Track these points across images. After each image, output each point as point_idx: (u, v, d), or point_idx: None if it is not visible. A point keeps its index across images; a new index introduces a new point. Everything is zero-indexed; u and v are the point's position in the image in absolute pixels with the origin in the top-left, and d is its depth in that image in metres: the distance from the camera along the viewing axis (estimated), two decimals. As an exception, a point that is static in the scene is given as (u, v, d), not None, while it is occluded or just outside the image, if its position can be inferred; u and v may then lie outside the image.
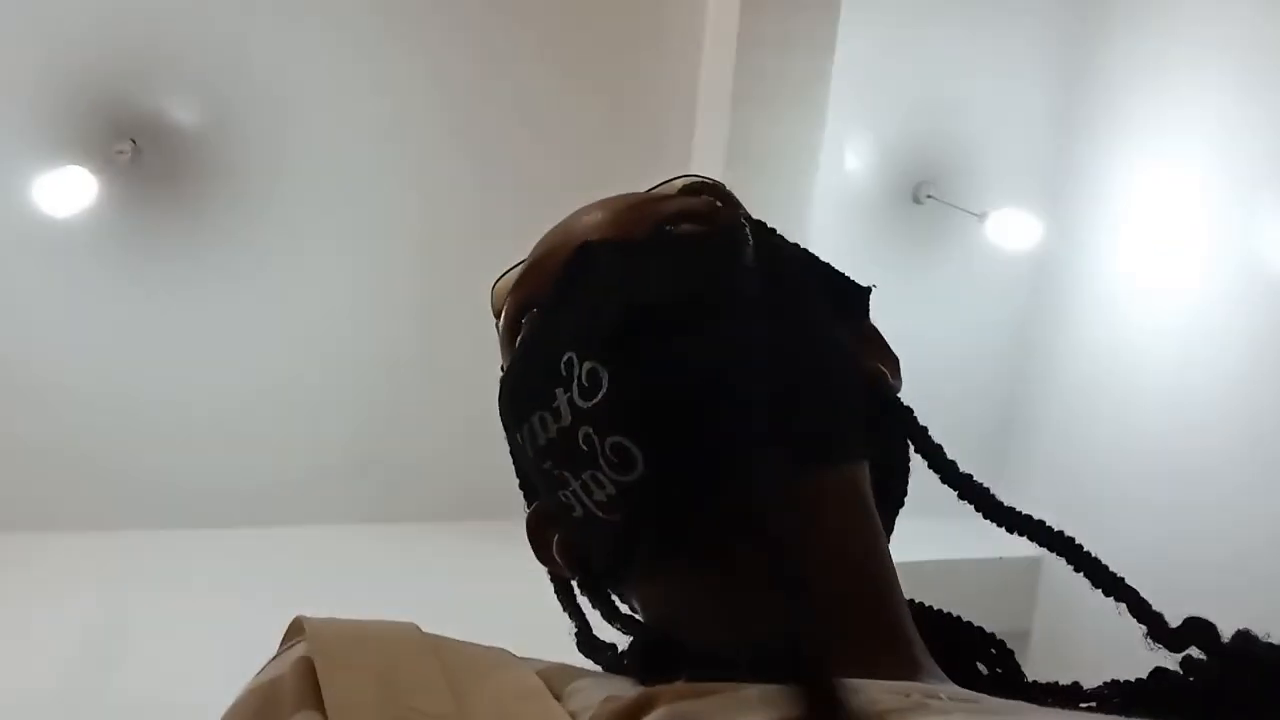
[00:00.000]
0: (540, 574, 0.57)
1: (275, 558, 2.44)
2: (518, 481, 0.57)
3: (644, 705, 0.31)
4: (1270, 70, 2.25)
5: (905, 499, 0.55)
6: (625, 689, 0.34)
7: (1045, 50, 2.80)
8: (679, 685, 0.32)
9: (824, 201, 2.43)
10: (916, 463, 0.55)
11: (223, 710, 0.36)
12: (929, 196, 2.78)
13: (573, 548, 0.50)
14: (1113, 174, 2.73)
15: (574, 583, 0.54)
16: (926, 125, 2.80)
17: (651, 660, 0.35)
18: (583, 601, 0.55)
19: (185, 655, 2.10)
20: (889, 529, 0.52)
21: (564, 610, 0.56)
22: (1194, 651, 0.40)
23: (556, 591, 0.57)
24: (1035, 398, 2.91)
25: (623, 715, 0.32)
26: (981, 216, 2.72)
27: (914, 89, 2.76)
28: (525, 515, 0.54)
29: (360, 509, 2.68)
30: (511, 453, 0.55)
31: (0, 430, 2.47)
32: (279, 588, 2.00)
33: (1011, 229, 2.74)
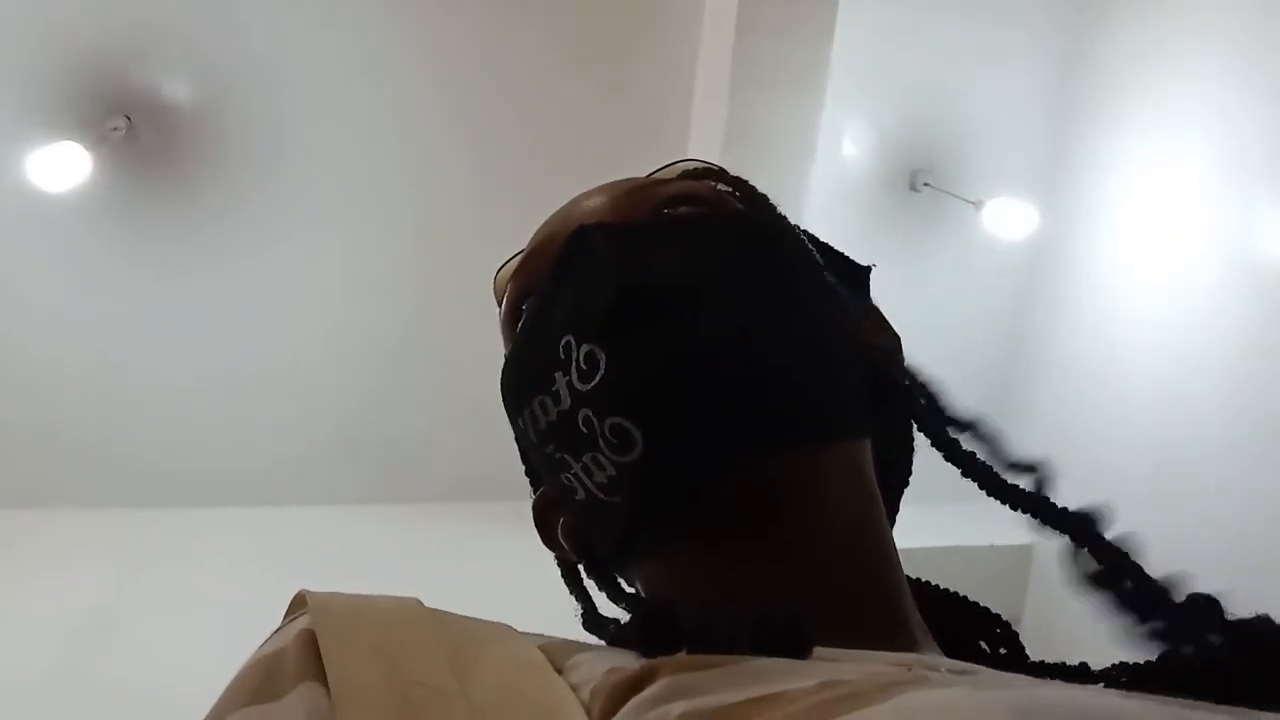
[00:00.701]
0: (535, 555, 0.57)
1: (269, 537, 2.45)
2: (523, 468, 0.58)
3: (646, 676, 0.32)
4: (1268, 62, 2.25)
5: (909, 478, 0.55)
6: (628, 661, 0.34)
7: (1043, 39, 2.80)
8: (681, 657, 0.32)
9: (821, 188, 2.43)
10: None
11: (217, 688, 0.37)
12: (926, 184, 2.78)
13: (577, 531, 0.50)
14: (1109, 164, 2.73)
15: (580, 566, 0.55)
16: (924, 113, 2.80)
17: (653, 633, 0.35)
18: (589, 585, 0.56)
19: (179, 633, 2.11)
20: (893, 509, 0.52)
21: (570, 593, 0.57)
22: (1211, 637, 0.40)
23: (563, 575, 0.57)
24: (1029, 386, 2.92)
25: (625, 687, 0.32)
26: (978, 205, 2.72)
27: (912, 77, 2.76)
28: (530, 501, 0.55)
29: (354, 490, 2.68)
30: (516, 439, 0.55)
31: (-7, 407, 2.47)
32: (272, 567, 2.00)
33: (1008, 217, 2.74)
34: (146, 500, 2.55)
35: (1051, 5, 2.78)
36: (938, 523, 2.70)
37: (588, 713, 0.32)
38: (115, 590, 2.30)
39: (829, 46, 2.20)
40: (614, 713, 0.31)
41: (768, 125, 2.25)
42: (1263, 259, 2.26)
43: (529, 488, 0.57)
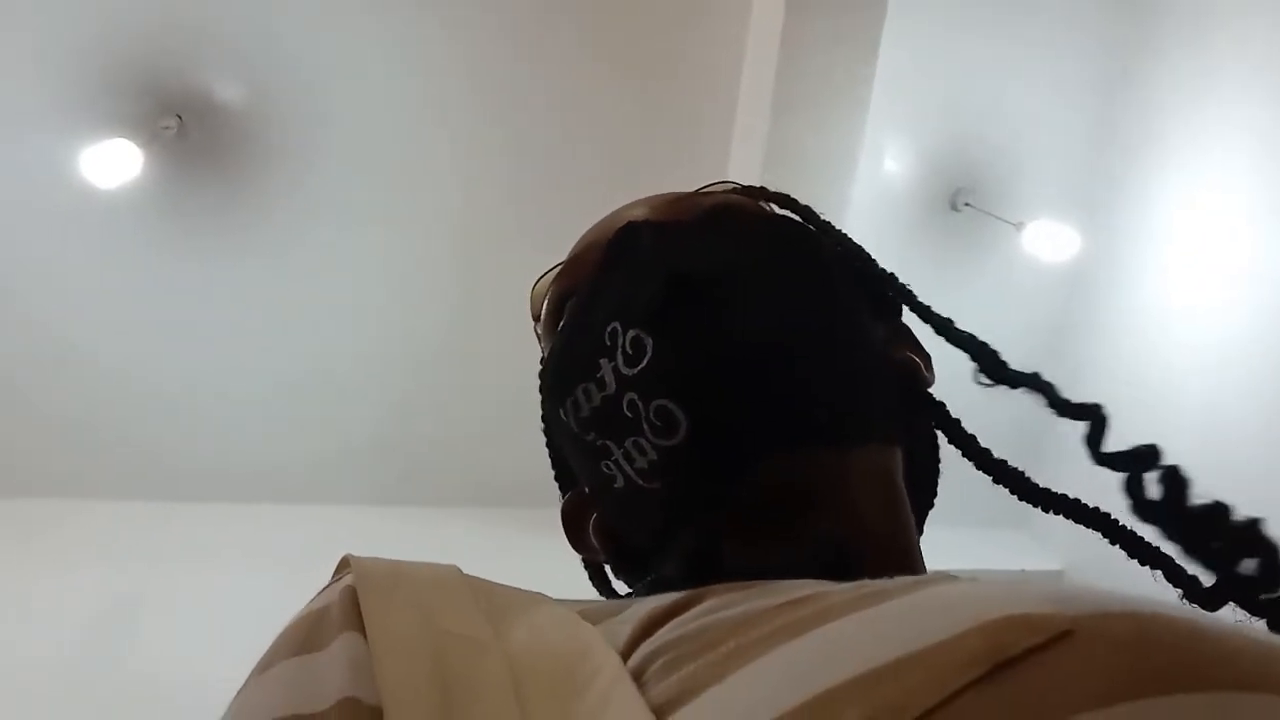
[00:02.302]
0: (562, 563, 0.57)
1: (295, 535, 2.47)
2: (554, 472, 0.58)
3: (690, 600, 0.32)
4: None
5: (937, 491, 0.56)
6: (671, 598, 0.34)
7: (1087, 63, 2.77)
8: (722, 584, 0.33)
9: (862, 206, 2.42)
10: (944, 477, 0.55)
11: (235, 686, 0.37)
12: (967, 204, 2.76)
13: (610, 526, 0.51)
14: (1151, 188, 2.69)
15: (607, 568, 0.55)
16: (966, 133, 2.78)
17: (696, 567, 0.36)
18: (618, 587, 0.56)
19: (204, 625, 2.13)
20: (921, 521, 0.53)
21: (599, 594, 0.57)
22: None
23: (590, 578, 0.58)
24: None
25: (663, 612, 0.32)
26: (1019, 226, 2.70)
27: (954, 96, 2.74)
28: (560, 504, 0.55)
29: (385, 491, 2.70)
30: (548, 438, 0.56)
31: (32, 397, 2.52)
32: (297, 564, 2.01)
33: (1049, 240, 2.71)
34: (178, 494, 2.59)
35: (1098, 28, 2.75)
36: (969, 547, 2.67)
37: (619, 648, 0.32)
38: (139, 583, 2.33)
39: (873, 64, 2.19)
40: (650, 635, 0.32)
41: (809, 142, 2.25)
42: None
43: (558, 493, 0.57)
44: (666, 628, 0.31)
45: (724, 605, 0.31)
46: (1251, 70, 2.38)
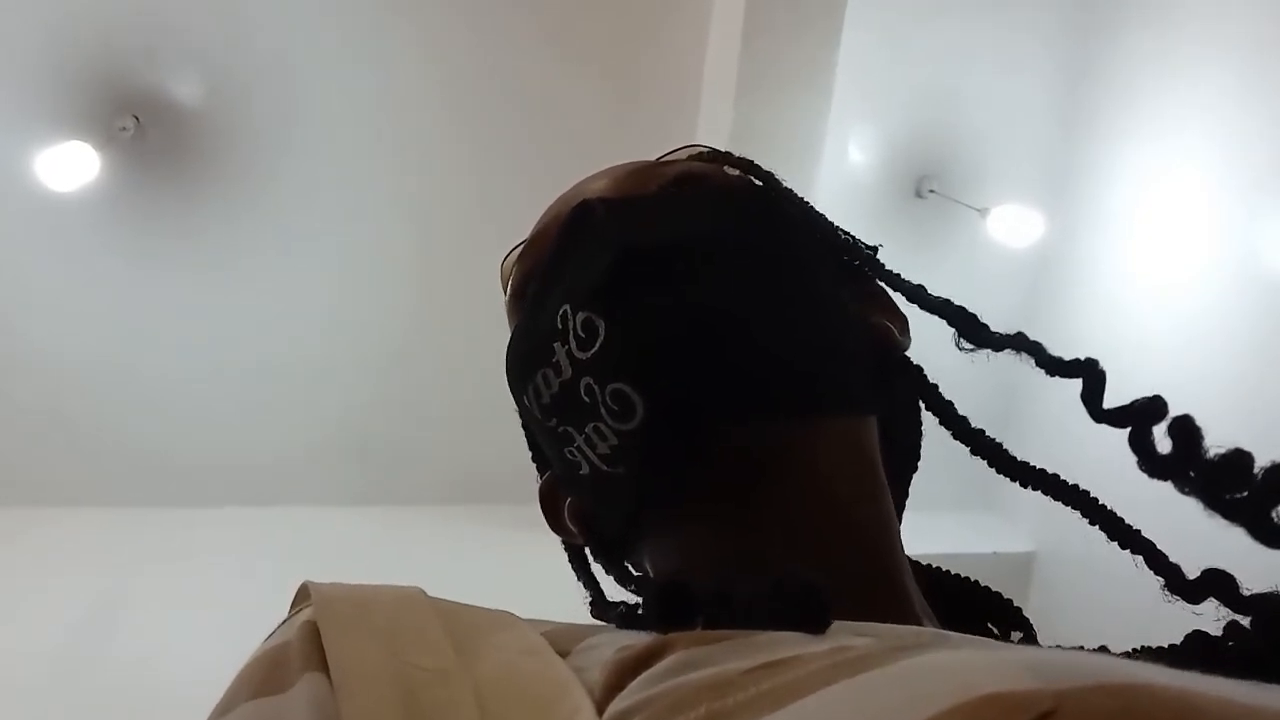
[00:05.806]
0: (536, 557, 0.57)
1: (270, 537, 2.45)
2: (530, 455, 0.57)
3: (658, 651, 0.31)
4: (1274, 70, 2.24)
5: (918, 462, 0.54)
6: (640, 640, 0.33)
7: (1050, 46, 2.79)
8: (693, 633, 0.32)
9: (826, 194, 2.42)
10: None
11: (219, 686, 0.37)
12: (931, 191, 2.78)
13: (583, 511, 0.50)
14: (1115, 171, 2.72)
15: (587, 550, 0.54)
16: (930, 119, 2.79)
17: (666, 606, 0.34)
18: (596, 571, 0.55)
19: (179, 632, 2.11)
20: (902, 494, 0.52)
21: (578, 579, 0.56)
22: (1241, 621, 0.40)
23: (570, 561, 0.57)
24: (1035, 393, 2.91)
25: (633, 662, 0.31)
26: (983, 212, 2.72)
27: (918, 82, 2.76)
28: (538, 486, 0.54)
29: (357, 491, 2.68)
30: (522, 422, 0.55)
31: (-2, 405, 2.48)
32: (273, 567, 2.00)
33: (1013, 224, 2.73)
34: (152, 499, 2.55)
35: (1059, 11, 2.77)
36: (941, 530, 2.70)
37: (592, 692, 0.32)
38: (114, 589, 2.30)
39: (836, 51, 2.19)
40: (621, 688, 0.31)
41: (774, 129, 2.25)
42: (1269, 267, 2.25)
43: (535, 480, 0.56)
44: (636, 683, 0.30)
45: (692, 663, 0.30)
46: (1214, 52, 2.41)
